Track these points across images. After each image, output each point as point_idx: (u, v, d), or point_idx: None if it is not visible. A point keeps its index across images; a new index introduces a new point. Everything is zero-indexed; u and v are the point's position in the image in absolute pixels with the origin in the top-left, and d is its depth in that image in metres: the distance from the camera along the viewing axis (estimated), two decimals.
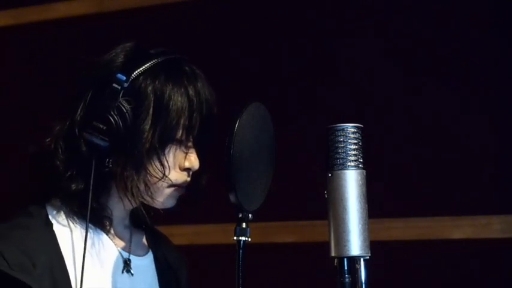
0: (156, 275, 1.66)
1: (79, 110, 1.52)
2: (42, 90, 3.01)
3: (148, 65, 1.51)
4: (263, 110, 1.44)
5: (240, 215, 1.38)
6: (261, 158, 1.43)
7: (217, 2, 2.90)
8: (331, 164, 1.33)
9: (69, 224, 1.53)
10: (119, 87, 1.48)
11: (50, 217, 1.53)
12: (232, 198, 1.36)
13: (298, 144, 2.61)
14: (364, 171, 1.33)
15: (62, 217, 1.54)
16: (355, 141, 1.33)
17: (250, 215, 1.39)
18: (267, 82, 2.75)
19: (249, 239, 1.38)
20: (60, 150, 1.52)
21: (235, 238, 1.37)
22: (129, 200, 1.55)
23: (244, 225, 1.38)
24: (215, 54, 2.81)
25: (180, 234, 2.72)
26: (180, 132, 1.52)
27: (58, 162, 1.52)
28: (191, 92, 1.53)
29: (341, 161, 1.32)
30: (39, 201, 1.56)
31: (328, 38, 2.72)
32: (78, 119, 1.51)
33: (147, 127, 1.49)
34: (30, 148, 1.57)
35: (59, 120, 1.56)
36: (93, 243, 1.54)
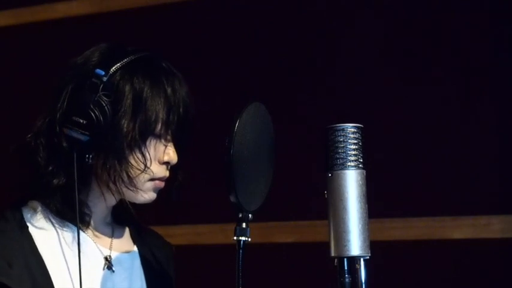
0: (141, 271, 1.67)
1: (58, 106, 1.53)
2: (41, 90, 3.01)
3: (126, 60, 1.54)
4: (263, 110, 1.44)
5: (240, 215, 1.38)
6: (261, 158, 1.43)
7: (217, 1, 2.90)
8: (331, 164, 1.33)
9: (45, 224, 1.55)
10: (98, 82, 1.50)
11: (25, 219, 1.55)
12: (232, 198, 1.36)
13: (298, 144, 2.61)
14: (364, 171, 1.33)
15: (38, 218, 1.56)
16: (355, 141, 1.33)
17: (250, 215, 1.39)
18: (267, 82, 2.75)
19: (249, 239, 1.38)
20: (41, 146, 1.54)
21: (235, 238, 1.37)
22: (112, 193, 1.56)
23: (244, 225, 1.38)
24: (214, 54, 2.81)
25: (180, 235, 2.72)
26: (159, 126, 1.54)
27: (39, 159, 1.53)
28: (168, 88, 1.56)
29: (341, 161, 1.32)
30: (14, 205, 1.58)
31: (328, 37, 2.71)
32: (58, 115, 1.53)
33: (127, 121, 1.51)
34: (12, 147, 1.59)
35: (39, 117, 1.57)
36: (72, 241, 1.55)
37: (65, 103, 1.53)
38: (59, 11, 3.13)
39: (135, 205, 1.60)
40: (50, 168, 1.53)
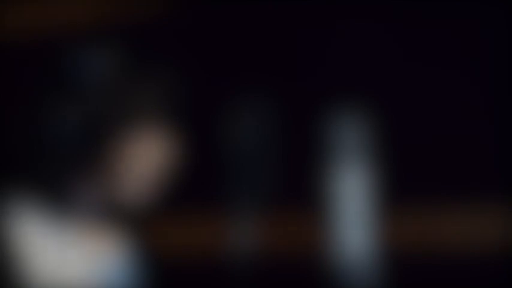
0: (131, 271, 1.66)
1: (37, 99, 1.54)
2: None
3: (107, 49, 1.54)
4: (263, 107, 1.45)
5: (239, 212, 1.39)
6: (260, 155, 1.44)
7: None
8: (331, 161, 1.33)
9: (30, 220, 1.55)
10: (75, 73, 1.50)
11: (10, 214, 1.54)
12: (231, 195, 1.37)
13: (298, 142, 2.60)
14: (365, 171, 1.33)
15: (23, 213, 1.55)
16: (356, 138, 1.33)
17: (249, 212, 1.40)
18: (265, 79, 2.75)
19: (247, 238, 1.38)
20: (22, 140, 1.54)
21: (233, 237, 1.38)
22: (100, 190, 1.56)
23: (243, 222, 1.39)
24: (209, 51, 2.82)
25: (175, 234, 2.72)
26: (147, 118, 1.54)
27: (21, 153, 1.53)
28: (152, 75, 1.56)
29: (341, 159, 1.32)
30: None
31: (327, 36, 2.72)
32: (37, 107, 1.53)
33: (109, 113, 1.50)
34: None
35: (22, 111, 1.58)
36: (58, 239, 1.55)
37: (46, 96, 1.53)
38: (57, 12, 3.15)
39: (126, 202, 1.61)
40: (33, 163, 1.53)
